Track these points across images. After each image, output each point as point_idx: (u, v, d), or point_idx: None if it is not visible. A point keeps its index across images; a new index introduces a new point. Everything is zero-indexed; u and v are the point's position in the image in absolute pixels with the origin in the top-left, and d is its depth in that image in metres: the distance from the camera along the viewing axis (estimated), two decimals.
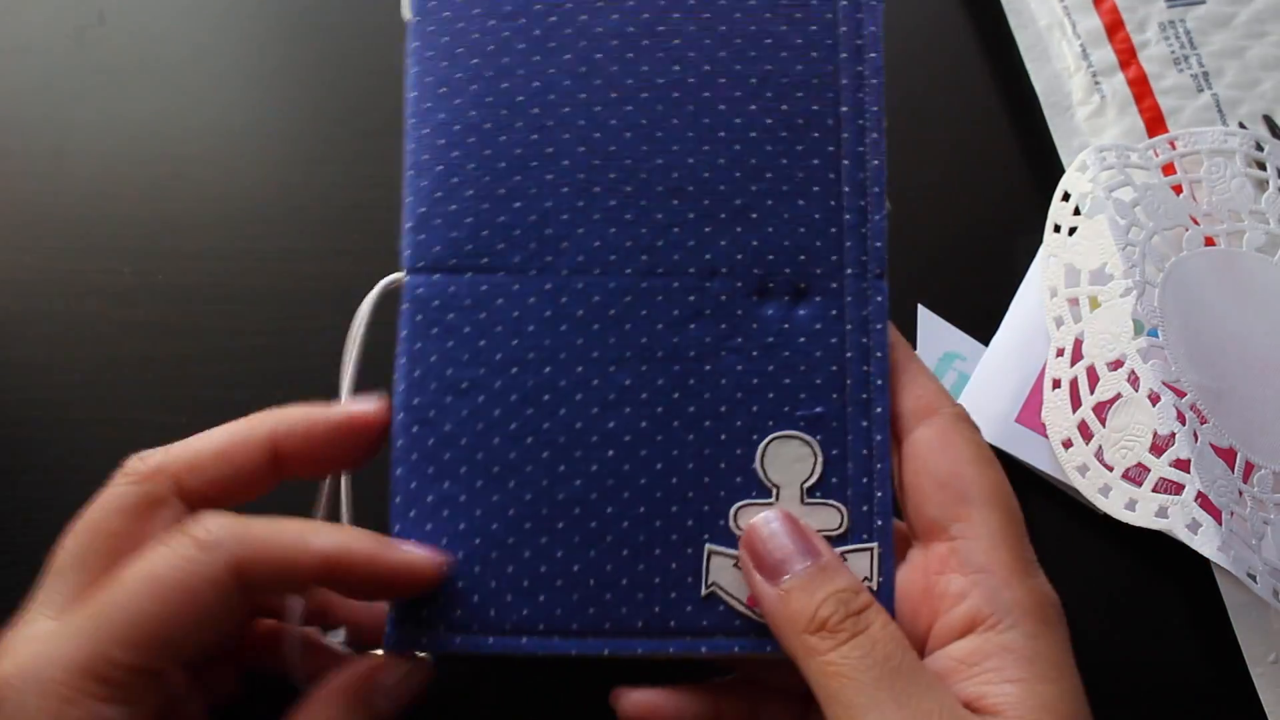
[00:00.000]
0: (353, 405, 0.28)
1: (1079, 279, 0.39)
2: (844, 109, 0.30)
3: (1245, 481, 0.36)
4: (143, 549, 0.25)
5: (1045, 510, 0.39)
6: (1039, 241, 0.41)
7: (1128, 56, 0.44)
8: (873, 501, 0.28)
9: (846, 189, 0.30)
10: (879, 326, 0.29)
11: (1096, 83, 0.44)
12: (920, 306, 0.41)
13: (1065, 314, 0.39)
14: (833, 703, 0.24)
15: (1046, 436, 0.38)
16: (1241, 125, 0.43)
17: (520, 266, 0.29)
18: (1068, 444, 0.38)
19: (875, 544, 0.28)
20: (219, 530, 0.25)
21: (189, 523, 0.25)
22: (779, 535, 0.27)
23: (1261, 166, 0.41)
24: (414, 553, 0.27)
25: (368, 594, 0.28)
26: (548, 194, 0.29)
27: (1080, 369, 0.38)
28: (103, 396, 0.38)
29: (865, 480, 0.28)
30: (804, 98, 0.30)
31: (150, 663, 0.24)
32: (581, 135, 0.30)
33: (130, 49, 0.44)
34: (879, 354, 0.29)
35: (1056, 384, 0.39)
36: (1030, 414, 0.39)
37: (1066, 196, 0.41)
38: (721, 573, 0.28)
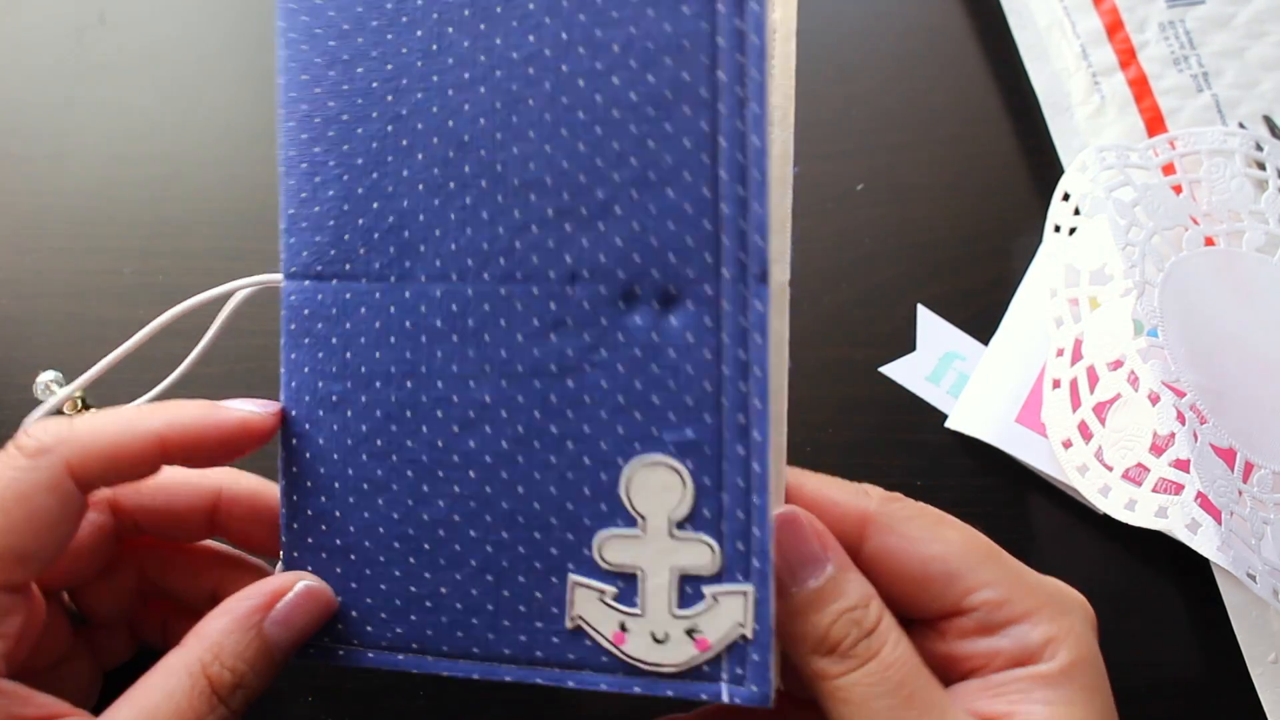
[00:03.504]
0: (246, 411, 0.27)
1: (1079, 279, 0.39)
2: (721, 76, 0.24)
3: (1245, 481, 0.36)
4: None
5: (1045, 510, 0.39)
6: (1039, 241, 0.41)
7: (1127, 56, 0.44)
8: (749, 539, 0.24)
9: (723, 175, 0.24)
10: (759, 339, 0.24)
11: (1096, 83, 0.44)
12: (920, 306, 0.41)
13: (1065, 314, 0.39)
14: None
15: (1046, 436, 0.38)
16: (1241, 125, 0.43)
17: (381, 273, 0.27)
18: (1068, 444, 0.38)
19: (750, 587, 0.24)
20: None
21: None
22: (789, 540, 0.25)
23: (1261, 166, 0.41)
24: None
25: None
26: (404, 192, 0.27)
27: (1080, 369, 0.38)
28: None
29: (741, 515, 0.25)
30: (673, 65, 0.24)
31: None
32: (435, 124, 0.26)
33: (130, 49, 0.44)
34: (758, 371, 0.24)
35: (1056, 384, 0.39)
36: (1030, 414, 0.39)
37: (1066, 196, 0.41)
38: (586, 605, 0.26)
